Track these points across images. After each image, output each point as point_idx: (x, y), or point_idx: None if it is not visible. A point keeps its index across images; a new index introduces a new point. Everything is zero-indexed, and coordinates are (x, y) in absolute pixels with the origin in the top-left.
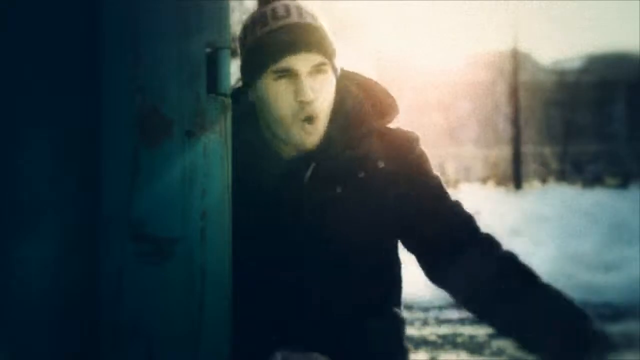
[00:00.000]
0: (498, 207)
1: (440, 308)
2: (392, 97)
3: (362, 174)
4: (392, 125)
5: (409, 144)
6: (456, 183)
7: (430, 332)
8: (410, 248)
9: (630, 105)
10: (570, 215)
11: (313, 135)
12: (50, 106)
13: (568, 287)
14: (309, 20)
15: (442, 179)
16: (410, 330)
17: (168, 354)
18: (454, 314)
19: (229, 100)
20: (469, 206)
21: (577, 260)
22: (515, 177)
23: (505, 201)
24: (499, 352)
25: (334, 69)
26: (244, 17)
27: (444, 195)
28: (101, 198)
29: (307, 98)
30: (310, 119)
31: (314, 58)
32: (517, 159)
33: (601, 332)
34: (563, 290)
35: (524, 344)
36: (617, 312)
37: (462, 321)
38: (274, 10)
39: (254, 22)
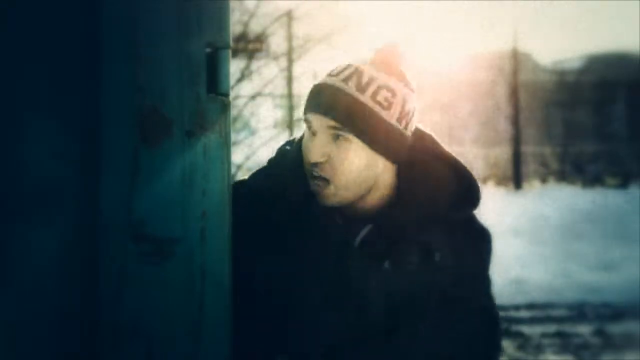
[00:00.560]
0: (498, 207)
1: None
2: (477, 184)
3: (415, 259)
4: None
5: (478, 243)
6: None
7: None
8: None
9: (630, 105)
10: (570, 215)
11: (324, 194)
12: (50, 106)
13: (568, 287)
14: (345, 85)
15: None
16: None
17: (168, 354)
18: None
19: (228, 100)
20: None
21: (577, 260)
22: (515, 177)
23: (505, 201)
24: None
25: (367, 137)
26: (244, 17)
27: (477, 312)
28: (101, 198)
29: (311, 159)
30: (317, 179)
31: (328, 122)
32: (517, 159)
33: None
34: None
35: None
36: (617, 312)
37: None
38: (336, 68)
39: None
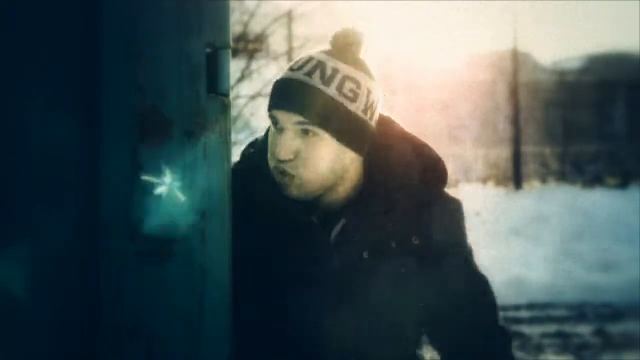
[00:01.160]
0: (498, 207)
1: None
2: (444, 166)
3: (393, 244)
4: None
5: (451, 215)
6: (456, 183)
7: None
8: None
9: (630, 105)
10: (570, 215)
11: (290, 189)
12: (50, 106)
13: (568, 287)
14: (309, 79)
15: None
16: None
17: (168, 354)
18: None
19: (228, 100)
20: (469, 206)
21: (577, 260)
22: (515, 177)
23: (505, 201)
24: None
25: (335, 131)
26: (244, 17)
27: (470, 282)
28: (101, 198)
29: (279, 156)
30: (284, 173)
31: (295, 118)
32: (517, 159)
33: None
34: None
35: None
36: (617, 312)
37: None
38: (297, 61)
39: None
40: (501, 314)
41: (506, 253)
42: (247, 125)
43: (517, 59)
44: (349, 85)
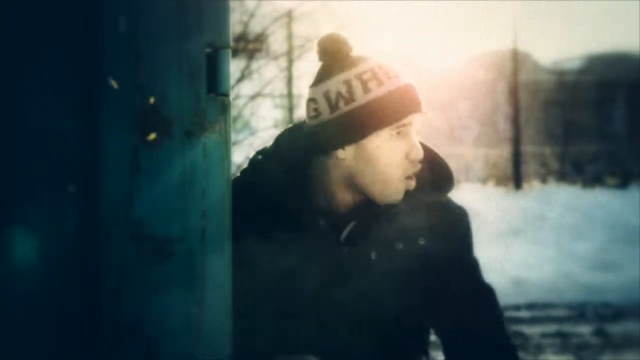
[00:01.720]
0: (498, 207)
1: None
2: (450, 170)
3: (400, 246)
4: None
5: (456, 222)
6: (456, 183)
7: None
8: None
9: (630, 105)
10: (570, 215)
11: (401, 193)
12: (49, 106)
13: (568, 287)
14: (409, 80)
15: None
16: None
17: (168, 354)
18: None
19: (229, 100)
20: (469, 206)
21: (577, 260)
22: (515, 177)
23: (505, 201)
24: None
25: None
26: (244, 17)
27: (475, 291)
28: (101, 198)
29: (420, 156)
30: (411, 177)
31: (422, 117)
32: (517, 159)
33: None
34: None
35: None
36: (617, 312)
37: None
38: (385, 71)
39: (377, 80)
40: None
41: (506, 253)
42: (247, 125)
43: (517, 59)
44: None
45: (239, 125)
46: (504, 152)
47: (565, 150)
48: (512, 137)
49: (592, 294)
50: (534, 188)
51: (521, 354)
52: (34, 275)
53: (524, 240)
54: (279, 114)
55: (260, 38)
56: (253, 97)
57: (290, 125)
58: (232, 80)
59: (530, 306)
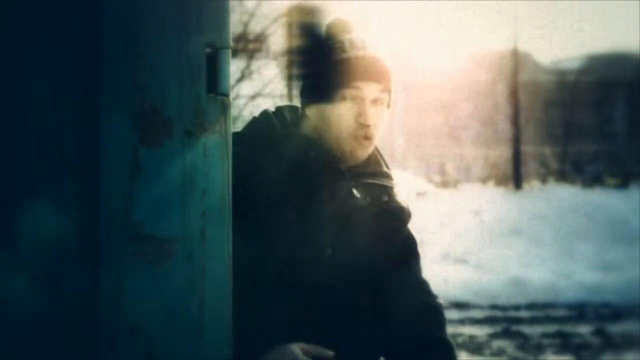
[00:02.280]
0: (498, 207)
1: None
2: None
3: (385, 198)
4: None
5: (407, 211)
6: (456, 183)
7: None
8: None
9: (630, 105)
10: (570, 215)
11: (364, 150)
12: (49, 106)
13: (568, 287)
14: (379, 55)
15: (443, 179)
16: None
17: (168, 354)
18: (454, 314)
19: (229, 100)
20: (469, 206)
21: (577, 260)
22: (515, 177)
23: (505, 201)
24: (499, 352)
25: (389, 102)
26: (244, 17)
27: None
28: (101, 198)
29: (368, 121)
30: (367, 137)
31: (378, 87)
32: (517, 159)
33: None
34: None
35: None
36: (617, 312)
37: (462, 321)
38: (351, 42)
39: (331, 48)
40: (501, 314)
41: (506, 253)
42: None
43: (517, 59)
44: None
45: (239, 125)
46: (504, 152)
47: (565, 150)
48: (512, 137)
49: (592, 294)
50: (534, 188)
51: (521, 354)
52: (34, 275)
53: (524, 240)
54: None
55: (260, 38)
56: (253, 97)
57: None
58: (232, 80)
59: (530, 306)
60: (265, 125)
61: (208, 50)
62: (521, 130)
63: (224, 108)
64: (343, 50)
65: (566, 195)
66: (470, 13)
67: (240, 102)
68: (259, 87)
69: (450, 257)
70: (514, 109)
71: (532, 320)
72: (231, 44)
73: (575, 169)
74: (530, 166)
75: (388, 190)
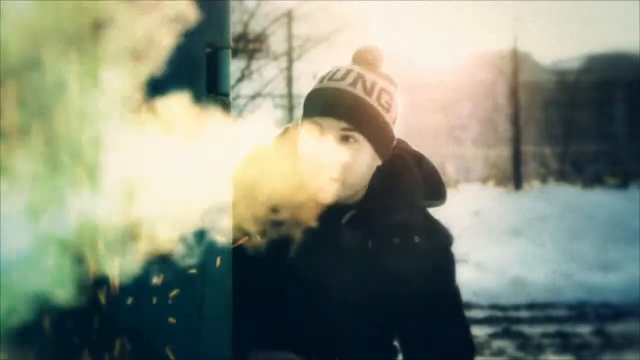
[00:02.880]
0: (498, 207)
1: None
2: (441, 179)
3: (397, 240)
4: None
5: (447, 240)
6: (456, 183)
7: None
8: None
9: (630, 105)
10: (570, 215)
11: (330, 193)
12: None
13: (568, 287)
14: (353, 89)
15: (444, 180)
16: None
17: (168, 354)
18: None
19: (228, 100)
20: (469, 206)
21: (577, 260)
22: (515, 177)
23: (505, 201)
24: (499, 352)
25: (373, 138)
26: (244, 17)
27: (452, 315)
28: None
29: (327, 161)
30: (333, 178)
31: (341, 124)
32: (517, 159)
33: None
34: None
35: None
36: (617, 312)
37: None
38: (335, 72)
39: (321, 77)
40: (501, 314)
41: (506, 253)
42: None
43: (517, 59)
44: (385, 97)
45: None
46: (504, 152)
47: (565, 150)
48: (512, 137)
49: (592, 294)
50: (534, 188)
51: (521, 354)
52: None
53: (524, 240)
54: (279, 114)
55: (260, 38)
56: (253, 97)
57: None
58: (232, 80)
59: (530, 306)
60: None
61: (208, 50)
62: (521, 130)
63: (224, 108)
64: (321, 80)
65: (566, 195)
66: (470, 13)
67: (240, 102)
68: (259, 87)
69: None
70: (514, 109)
71: (532, 320)
72: (231, 44)
73: (575, 169)
74: (530, 166)
75: (404, 224)
